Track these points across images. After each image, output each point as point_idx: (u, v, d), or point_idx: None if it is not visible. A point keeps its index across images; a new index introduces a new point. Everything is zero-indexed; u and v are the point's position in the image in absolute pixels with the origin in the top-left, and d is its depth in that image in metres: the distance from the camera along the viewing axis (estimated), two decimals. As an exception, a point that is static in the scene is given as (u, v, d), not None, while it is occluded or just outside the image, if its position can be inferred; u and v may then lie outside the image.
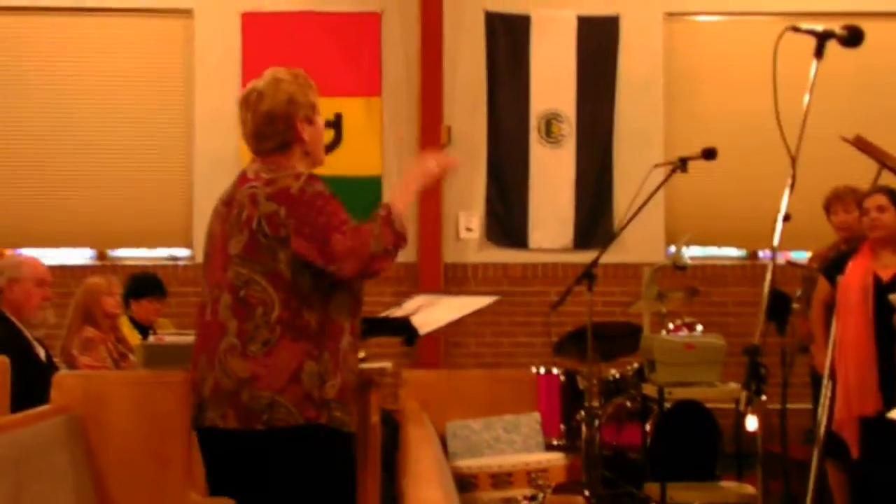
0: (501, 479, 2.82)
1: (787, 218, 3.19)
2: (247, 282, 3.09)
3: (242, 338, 3.07)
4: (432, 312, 3.70)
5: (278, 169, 3.20)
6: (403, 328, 3.57)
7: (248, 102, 3.30)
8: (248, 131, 3.30)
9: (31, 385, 4.19)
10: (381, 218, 3.11)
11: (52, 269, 5.83)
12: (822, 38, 3.23)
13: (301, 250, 3.06)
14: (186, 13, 8.16)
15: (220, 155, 8.03)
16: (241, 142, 8.25)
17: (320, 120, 3.37)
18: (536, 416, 3.13)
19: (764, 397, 3.13)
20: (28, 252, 7.33)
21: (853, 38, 3.27)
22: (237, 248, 3.12)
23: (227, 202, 3.23)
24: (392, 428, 4.54)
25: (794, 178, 3.16)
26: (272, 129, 3.26)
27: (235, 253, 3.13)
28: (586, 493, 5.96)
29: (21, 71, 8.06)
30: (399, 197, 3.27)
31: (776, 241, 3.14)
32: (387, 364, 4.02)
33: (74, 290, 6.06)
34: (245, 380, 3.04)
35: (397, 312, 3.64)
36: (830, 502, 5.64)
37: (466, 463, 2.90)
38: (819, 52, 3.21)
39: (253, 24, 8.11)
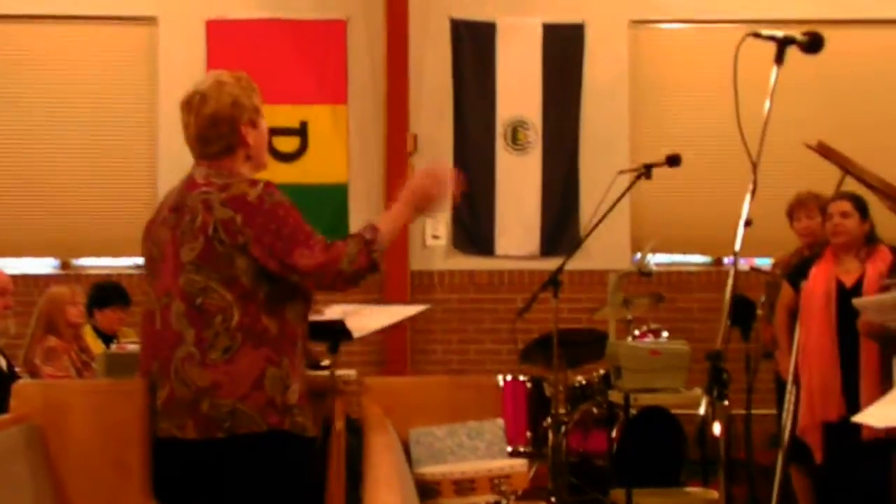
0: (464, 486, 2.81)
1: (748, 223, 3.20)
2: (203, 289, 3.02)
3: (201, 346, 3.00)
4: (362, 319, 3.68)
5: (229, 175, 3.14)
6: (332, 332, 3.53)
7: (191, 105, 3.21)
8: (192, 134, 3.22)
9: (-8, 394, 4.15)
10: (362, 241, 3.05)
11: (15, 278, 5.80)
12: (783, 43, 3.25)
13: (262, 260, 3.01)
14: (151, 20, 8.13)
15: (184, 163, 7.83)
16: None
17: (264, 123, 3.30)
18: (500, 422, 3.12)
19: (726, 402, 3.14)
20: (-10, 261, 7.26)
21: (813, 43, 3.30)
22: (191, 256, 3.05)
23: (175, 207, 3.14)
24: (358, 436, 4.53)
25: (755, 183, 3.18)
26: (216, 132, 3.18)
27: (189, 260, 3.05)
28: (552, 499, 5.97)
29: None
30: (390, 217, 3.19)
31: (738, 247, 3.15)
32: (351, 372, 4.01)
33: (37, 300, 6.02)
34: (205, 388, 2.98)
35: (320, 319, 3.59)
36: (796, 506, 5.67)
37: (430, 470, 2.89)
38: (779, 58, 3.23)
39: (218, 31, 8.08)
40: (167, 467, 3.08)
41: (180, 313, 3.04)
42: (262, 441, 2.97)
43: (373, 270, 3.05)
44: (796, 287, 5.48)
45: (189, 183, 3.17)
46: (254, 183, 3.09)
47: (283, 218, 3.03)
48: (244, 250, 3.02)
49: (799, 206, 6.17)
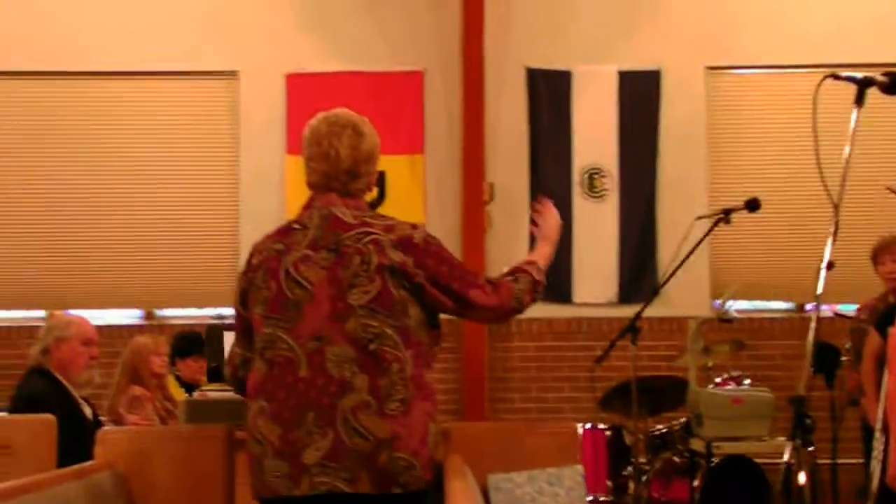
0: (545, 533, 2.78)
1: (830, 266, 3.15)
2: (378, 335, 2.90)
3: (377, 395, 2.86)
4: None
5: (380, 216, 3.09)
6: None
7: (344, 136, 3.10)
8: (342, 167, 3.07)
9: (78, 443, 4.21)
10: (531, 281, 3.16)
11: (100, 329, 5.89)
12: (862, 85, 3.21)
13: (438, 299, 3.00)
14: (232, 75, 8.29)
15: (265, 215, 8.09)
16: (288, 200, 8.34)
17: None
18: (580, 468, 3.10)
19: (811, 448, 3.08)
20: (76, 313, 7.40)
21: (894, 84, 3.25)
22: (364, 299, 2.91)
23: (328, 247, 2.97)
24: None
25: (836, 225, 3.13)
26: (367, 169, 3.12)
27: (362, 304, 2.91)
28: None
29: (71, 134, 8.21)
30: (543, 257, 3.31)
31: (819, 290, 3.10)
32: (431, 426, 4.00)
33: (121, 350, 6.12)
34: (385, 440, 2.83)
35: None
36: (885, 559, 5.50)
37: (510, 517, 2.87)
38: (859, 100, 3.19)
39: (297, 85, 8.22)
40: None
41: (347, 359, 2.89)
42: (422, 498, 2.90)
43: (534, 302, 3.20)
44: (883, 333, 5.36)
45: (336, 221, 3.01)
46: (414, 225, 3.07)
47: (450, 259, 3.07)
48: (419, 294, 2.98)
49: (883, 250, 6.06)
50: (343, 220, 3.02)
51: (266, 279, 2.99)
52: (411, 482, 2.84)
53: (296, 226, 3.07)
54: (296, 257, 2.99)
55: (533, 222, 3.47)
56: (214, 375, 3.93)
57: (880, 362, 5.36)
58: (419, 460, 2.86)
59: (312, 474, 2.83)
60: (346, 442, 2.82)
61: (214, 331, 4.04)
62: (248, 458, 2.96)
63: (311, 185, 3.14)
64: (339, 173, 3.08)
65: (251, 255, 3.10)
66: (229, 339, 3.53)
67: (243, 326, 3.10)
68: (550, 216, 3.40)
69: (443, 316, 3.17)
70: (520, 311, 3.16)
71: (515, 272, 3.16)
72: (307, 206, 3.12)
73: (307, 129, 3.18)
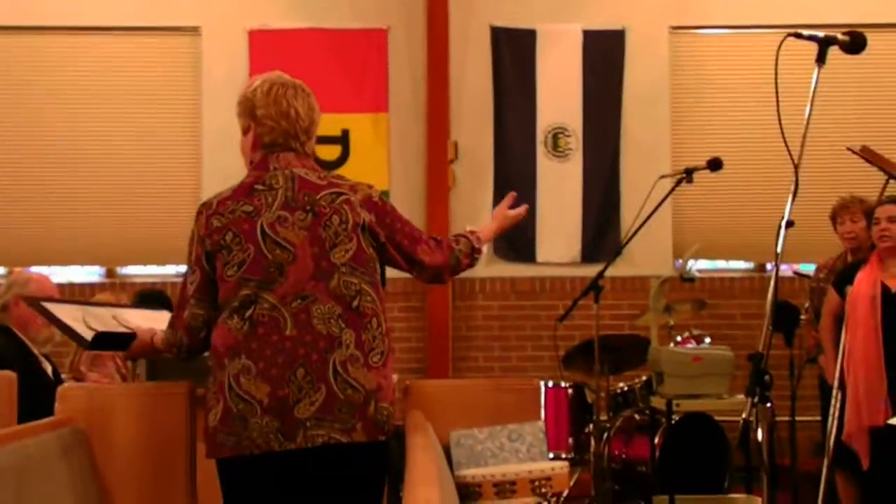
0: (505, 488, 2.81)
1: (790, 224, 3.18)
2: (358, 292, 3.02)
3: (362, 349, 2.98)
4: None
5: (335, 175, 3.18)
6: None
7: (299, 96, 3.14)
8: (302, 126, 3.13)
9: (39, 400, 4.19)
10: (470, 246, 3.37)
11: (61, 286, 5.87)
12: (824, 43, 3.22)
13: (393, 259, 3.19)
14: (194, 31, 8.20)
15: (228, 172, 7.98)
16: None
17: None
18: (540, 424, 3.12)
19: (769, 405, 3.11)
20: (38, 270, 7.35)
21: (855, 44, 3.26)
22: (345, 257, 3.02)
23: (303, 207, 3.03)
24: (400, 440, 4.53)
25: (796, 184, 3.15)
26: (316, 130, 3.23)
27: (343, 262, 3.02)
28: (595, 506, 5.95)
29: (29, 89, 8.10)
30: (488, 230, 3.57)
31: (779, 248, 3.13)
32: (394, 376, 4.01)
33: (83, 307, 6.08)
34: (372, 391, 2.95)
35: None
36: (840, 514, 5.61)
37: (470, 472, 2.89)
38: (821, 58, 3.21)
39: (260, 41, 8.14)
40: (326, 475, 2.95)
41: (334, 315, 2.97)
42: (388, 446, 3.05)
43: (466, 269, 3.40)
44: (841, 292, 5.43)
45: (303, 182, 3.08)
46: (369, 185, 3.18)
47: (401, 217, 3.22)
48: (381, 251, 3.14)
49: (843, 210, 6.11)
50: (310, 180, 3.08)
51: (241, 242, 3.01)
52: (390, 429, 2.99)
53: (259, 186, 3.07)
54: (270, 219, 3.02)
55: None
56: None
57: (838, 321, 5.44)
58: (394, 408, 3.02)
59: (307, 427, 2.90)
60: (339, 395, 2.92)
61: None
62: (221, 416, 2.93)
63: (267, 145, 3.14)
64: (299, 132, 3.13)
65: (207, 217, 3.06)
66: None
67: (204, 288, 3.07)
68: (515, 211, 3.65)
69: (407, 275, 3.35)
70: (456, 270, 3.34)
71: (458, 236, 3.37)
72: (263, 166, 3.12)
73: (257, 89, 3.16)
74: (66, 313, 3.72)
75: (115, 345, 3.53)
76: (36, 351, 4.88)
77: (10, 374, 4.01)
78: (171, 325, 3.17)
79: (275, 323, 2.95)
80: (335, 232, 3.02)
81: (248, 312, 2.96)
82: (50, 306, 4.00)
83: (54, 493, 2.96)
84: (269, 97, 3.13)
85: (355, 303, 3.00)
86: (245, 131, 3.21)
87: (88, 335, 3.42)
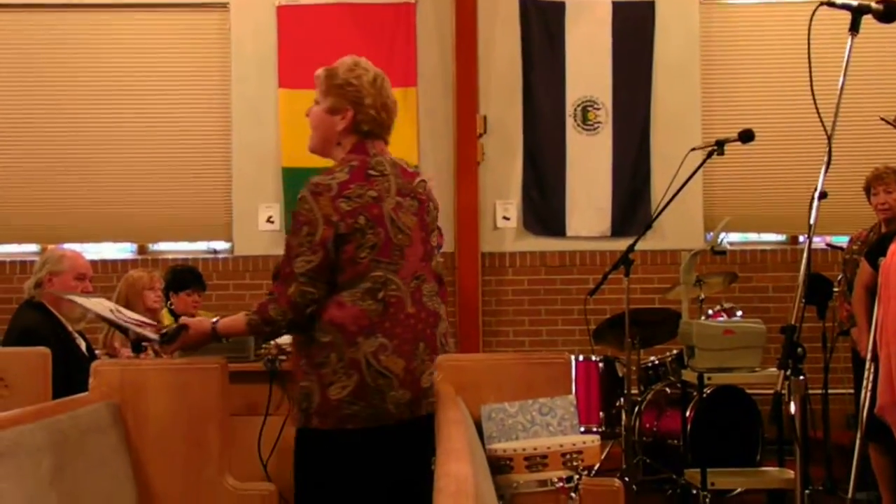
0: (536, 461, 2.80)
1: (823, 196, 3.15)
2: (442, 271, 3.39)
3: (447, 320, 3.37)
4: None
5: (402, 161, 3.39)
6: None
7: (380, 84, 3.29)
8: (394, 118, 3.33)
9: (73, 376, 4.24)
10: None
11: (94, 263, 5.91)
12: (857, 12, 3.18)
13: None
14: (222, 7, 8.21)
15: (257, 148, 8.09)
16: (281, 132, 8.30)
17: None
18: (571, 398, 3.11)
19: (802, 377, 3.10)
20: (70, 247, 7.41)
21: (889, 12, 3.21)
22: (436, 241, 3.37)
23: (409, 194, 3.27)
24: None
25: (829, 155, 3.13)
26: None
27: (435, 245, 3.35)
28: (626, 479, 5.94)
29: (63, 68, 8.14)
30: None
31: (812, 219, 3.11)
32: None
33: (116, 284, 6.13)
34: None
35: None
36: (873, 486, 5.58)
37: (502, 446, 2.89)
38: (854, 27, 3.17)
39: (288, 16, 8.14)
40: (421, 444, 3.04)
41: (433, 293, 3.27)
42: None
43: None
44: (874, 264, 5.38)
45: (402, 170, 3.30)
46: None
47: None
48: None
49: (877, 181, 6.05)
50: (404, 168, 3.32)
51: (373, 226, 3.15)
52: None
53: (372, 172, 3.20)
54: (391, 204, 3.20)
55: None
56: None
57: (871, 292, 5.39)
58: None
59: (427, 396, 3.16)
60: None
61: None
62: (354, 390, 3.09)
63: (364, 132, 3.26)
64: (391, 124, 3.32)
65: (332, 200, 3.11)
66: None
67: (321, 269, 3.11)
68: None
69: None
70: None
71: None
72: (362, 151, 3.24)
73: (362, 76, 3.27)
74: (96, 305, 3.78)
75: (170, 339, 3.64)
76: (70, 327, 4.92)
77: (44, 350, 4.05)
78: (272, 302, 3.15)
79: (400, 302, 3.16)
80: (433, 217, 3.35)
81: (381, 294, 3.14)
82: (79, 300, 4.05)
83: (88, 468, 2.99)
84: (375, 87, 3.26)
85: (443, 281, 3.37)
86: (334, 111, 3.27)
87: (125, 325, 3.54)
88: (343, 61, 3.32)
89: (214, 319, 3.34)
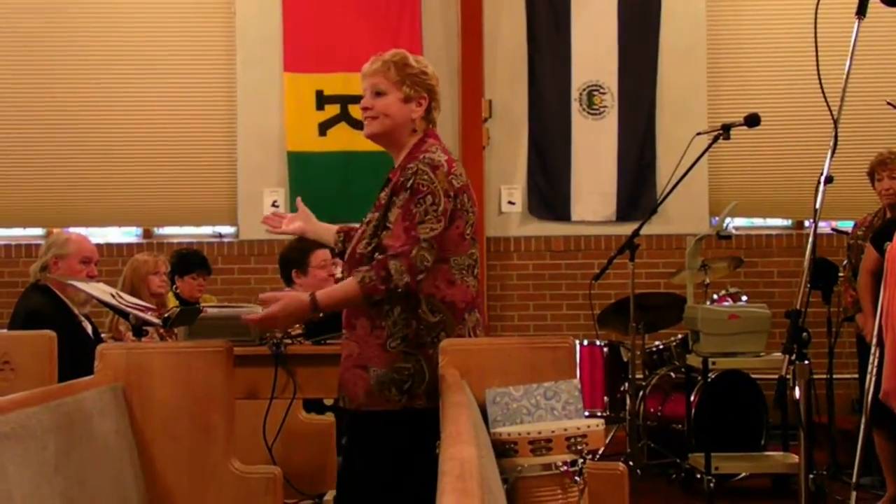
0: (540, 445, 2.80)
1: (829, 180, 3.14)
2: None
3: None
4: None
5: None
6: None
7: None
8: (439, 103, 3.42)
9: (78, 359, 4.24)
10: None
11: (99, 247, 5.92)
12: (864, -5, 3.17)
13: None
14: (228, -9, 8.20)
15: (262, 132, 8.08)
16: (286, 117, 8.31)
17: None
18: (576, 382, 3.11)
19: (807, 362, 3.09)
20: (76, 231, 7.42)
21: (896, -4, 3.21)
22: None
23: None
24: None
25: (835, 140, 3.12)
26: None
27: None
28: (630, 464, 5.95)
29: (68, 52, 8.14)
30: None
31: (818, 204, 3.10)
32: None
33: (121, 268, 6.14)
34: None
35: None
36: (877, 471, 5.59)
37: (506, 429, 2.89)
38: (861, 10, 3.15)
39: (293, 0, 8.10)
40: None
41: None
42: None
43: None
44: (880, 249, 5.37)
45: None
46: None
47: None
48: None
49: (881, 167, 6.03)
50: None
51: (472, 205, 3.28)
52: None
53: (452, 155, 3.33)
54: (469, 186, 3.31)
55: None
56: None
57: (876, 278, 5.38)
58: None
59: None
60: None
61: None
62: None
63: (432, 121, 3.38)
64: (439, 108, 3.41)
65: (446, 176, 3.19)
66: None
67: (439, 240, 3.15)
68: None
69: None
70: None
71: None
72: (436, 137, 3.35)
73: (428, 64, 3.39)
74: (97, 290, 3.79)
75: (184, 320, 3.71)
76: (76, 310, 4.92)
77: (49, 333, 4.07)
78: (393, 259, 3.09)
79: (481, 280, 3.37)
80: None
81: (475, 270, 3.29)
82: (80, 285, 4.07)
83: (94, 451, 3.00)
84: (436, 80, 3.41)
85: None
86: (411, 100, 3.31)
87: (126, 310, 3.55)
88: (400, 53, 3.37)
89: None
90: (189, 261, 6.63)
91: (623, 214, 8.04)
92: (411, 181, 3.15)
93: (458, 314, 3.20)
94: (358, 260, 3.22)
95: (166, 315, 3.44)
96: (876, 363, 5.05)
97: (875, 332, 5.17)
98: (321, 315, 3.42)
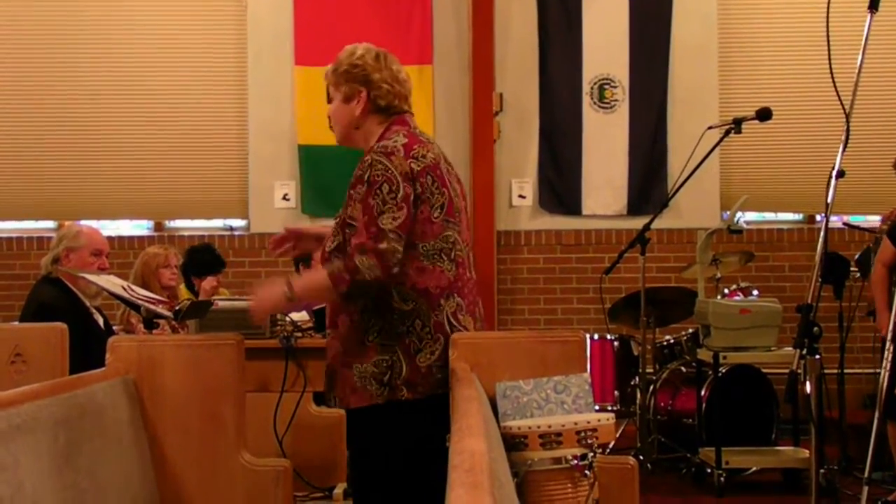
0: (551, 439, 2.80)
1: (840, 174, 3.14)
2: None
3: None
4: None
5: None
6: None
7: (393, 60, 3.37)
8: (409, 88, 3.35)
9: (90, 351, 4.25)
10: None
11: (111, 240, 5.93)
12: (877, -12, 3.16)
13: None
14: (239, -14, 8.20)
15: (273, 125, 8.09)
16: (297, 111, 8.32)
17: None
18: (586, 376, 3.11)
19: (818, 357, 3.09)
20: (88, 223, 7.43)
21: (909, -11, 3.20)
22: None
23: (450, 164, 3.32)
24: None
25: (847, 134, 3.11)
26: None
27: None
28: (640, 458, 5.94)
29: (82, 46, 8.15)
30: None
31: (829, 198, 3.09)
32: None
33: (133, 261, 6.16)
34: None
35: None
36: (889, 466, 5.57)
37: (516, 423, 2.90)
38: (874, 4, 3.14)
39: (305, -7, 8.11)
40: None
41: (473, 262, 3.34)
42: None
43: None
44: (896, 242, 5.36)
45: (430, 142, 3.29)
46: None
47: None
48: None
49: (903, 160, 6.00)
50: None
51: (439, 186, 3.17)
52: None
53: (422, 137, 3.25)
54: (445, 167, 3.25)
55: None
56: None
57: (892, 271, 5.37)
58: None
59: None
60: None
61: None
62: (442, 353, 3.13)
63: (383, 108, 3.27)
64: (408, 94, 3.32)
65: (403, 160, 3.11)
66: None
67: (406, 227, 3.09)
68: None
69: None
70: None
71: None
72: (407, 124, 3.27)
73: (364, 56, 3.30)
74: (108, 283, 3.80)
75: (195, 313, 3.72)
76: (87, 303, 4.94)
77: (61, 326, 4.08)
78: (359, 253, 3.04)
79: (464, 263, 3.23)
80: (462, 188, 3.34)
81: (453, 254, 3.19)
82: (92, 278, 4.08)
83: (105, 443, 3.01)
84: (380, 62, 3.28)
85: None
86: (348, 99, 3.30)
87: (137, 302, 3.57)
88: (343, 50, 3.37)
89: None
90: (204, 262, 6.57)
91: (634, 208, 8.02)
92: (367, 174, 3.09)
93: (432, 300, 3.12)
94: (327, 258, 3.21)
95: (177, 308, 3.45)
96: (890, 357, 5.04)
97: (890, 327, 5.15)
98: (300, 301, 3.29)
